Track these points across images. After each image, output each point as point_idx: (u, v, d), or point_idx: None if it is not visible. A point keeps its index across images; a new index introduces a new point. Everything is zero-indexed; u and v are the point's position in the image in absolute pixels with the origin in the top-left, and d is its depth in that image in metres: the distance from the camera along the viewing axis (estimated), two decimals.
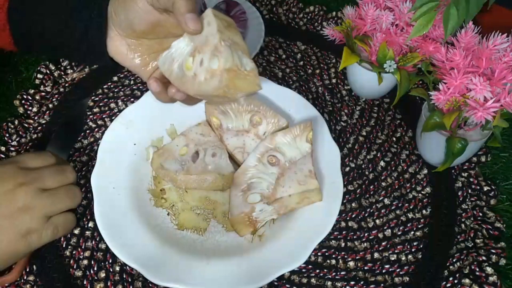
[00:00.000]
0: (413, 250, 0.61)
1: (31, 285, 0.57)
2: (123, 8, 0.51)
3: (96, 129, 0.71)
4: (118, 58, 0.55)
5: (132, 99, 0.75)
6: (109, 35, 0.54)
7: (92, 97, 0.75)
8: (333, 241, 0.62)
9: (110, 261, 0.59)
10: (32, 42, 0.58)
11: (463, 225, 0.63)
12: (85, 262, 0.59)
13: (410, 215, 0.64)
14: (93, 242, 0.60)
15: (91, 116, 0.73)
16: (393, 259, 0.60)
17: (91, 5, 0.53)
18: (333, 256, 0.60)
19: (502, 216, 0.64)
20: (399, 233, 0.63)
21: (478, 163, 0.69)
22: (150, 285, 0.57)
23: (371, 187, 0.67)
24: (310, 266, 0.60)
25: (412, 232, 0.62)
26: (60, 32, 0.55)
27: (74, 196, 0.56)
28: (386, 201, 0.65)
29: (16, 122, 0.71)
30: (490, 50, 0.57)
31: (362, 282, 0.58)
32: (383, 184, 0.67)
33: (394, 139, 0.72)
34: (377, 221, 0.63)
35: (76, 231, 0.61)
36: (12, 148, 0.69)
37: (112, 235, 0.56)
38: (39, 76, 0.77)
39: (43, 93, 0.75)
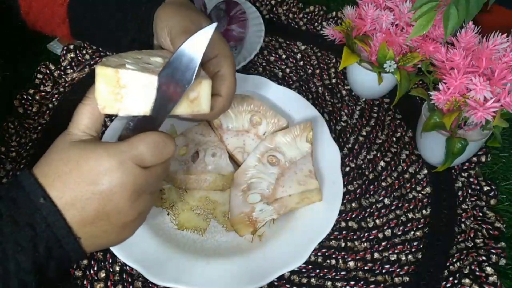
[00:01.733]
0: (413, 250, 0.61)
1: None
2: (155, 30, 0.55)
3: None
4: None
5: None
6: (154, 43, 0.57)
7: None
8: (333, 241, 0.62)
9: (110, 261, 0.59)
10: (89, 35, 0.64)
11: (463, 225, 0.63)
12: (85, 262, 0.59)
13: (410, 215, 0.64)
14: None
15: None
16: (393, 259, 0.60)
17: (144, 9, 0.56)
18: (333, 256, 0.60)
19: (502, 216, 0.64)
20: (399, 233, 0.63)
21: (478, 163, 0.69)
22: (150, 285, 0.57)
23: (371, 187, 0.67)
24: (310, 266, 0.60)
25: (412, 232, 0.62)
26: (114, 31, 0.58)
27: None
28: (386, 201, 0.65)
29: (16, 122, 0.71)
30: (490, 50, 0.57)
31: (362, 282, 0.58)
32: (383, 184, 0.67)
33: (394, 139, 0.72)
34: (377, 221, 0.63)
35: None
36: (12, 148, 0.69)
37: None
38: (39, 76, 0.77)
39: (43, 93, 0.75)
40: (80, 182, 0.41)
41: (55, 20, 0.62)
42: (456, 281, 0.58)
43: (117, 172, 0.41)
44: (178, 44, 0.48)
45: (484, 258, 0.59)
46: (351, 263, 0.60)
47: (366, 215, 0.64)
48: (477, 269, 0.58)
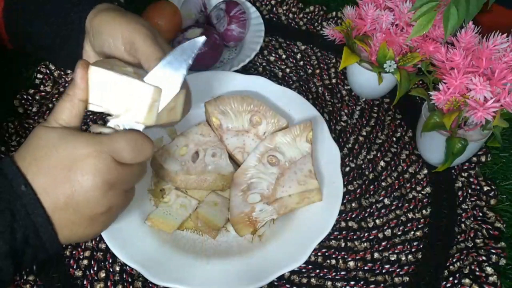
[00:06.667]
0: (413, 250, 0.61)
1: (31, 285, 0.57)
2: (99, 38, 0.51)
3: None
4: None
5: None
6: (84, 47, 0.55)
7: None
8: (333, 241, 0.62)
9: (110, 261, 0.59)
10: (24, 42, 0.59)
11: (463, 225, 0.63)
12: (85, 262, 0.59)
13: (410, 215, 0.64)
14: (93, 242, 0.60)
15: (91, 116, 0.73)
16: (393, 259, 0.60)
17: (72, 14, 0.54)
18: (333, 256, 0.60)
19: (502, 216, 0.64)
20: (399, 233, 0.63)
21: (478, 163, 0.69)
22: (150, 285, 0.57)
23: (371, 187, 0.67)
24: (310, 266, 0.60)
25: (412, 232, 0.62)
26: (45, 37, 0.56)
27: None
28: (386, 201, 0.65)
29: (16, 122, 0.71)
30: (490, 50, 0.57)
31: (362, 282, 0.58)
32: (383, 184, 0.67)
33: (394, 139, 0.72)
34: (377, 221, 0.63)
35: None
36: (12, 148, 0.69)
37: (112, 235, 0.56)
38: (39, 76, 0.77)
39: (43, 93, 0.75)
40: (55, 166, 0.42)
41: None
42: (456, 281, 0.58)
43: (92, 159, 0.42)
44: (144, 52, 0.49)
45: (484, 258, 0.59)
46: (351, 263, 0.60)
47: (366, 215, 0.64)
48: (477, 269, 0.58)
